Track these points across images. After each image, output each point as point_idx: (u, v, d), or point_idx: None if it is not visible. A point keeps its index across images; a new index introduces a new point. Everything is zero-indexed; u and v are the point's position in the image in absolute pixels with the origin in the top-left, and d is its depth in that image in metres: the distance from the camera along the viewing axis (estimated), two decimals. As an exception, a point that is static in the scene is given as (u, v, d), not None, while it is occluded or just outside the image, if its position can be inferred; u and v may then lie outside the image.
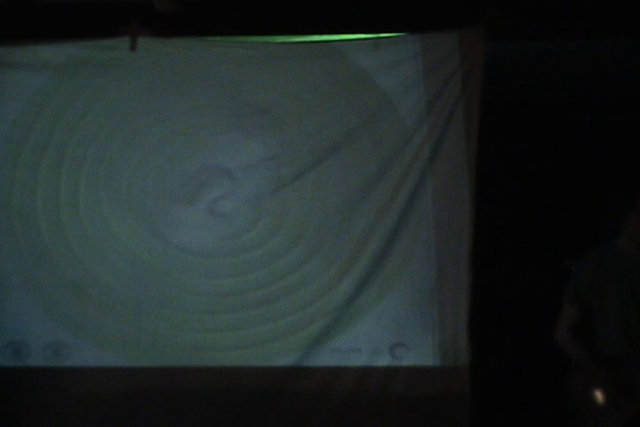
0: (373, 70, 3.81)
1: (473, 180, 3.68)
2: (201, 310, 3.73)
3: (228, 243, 3.78)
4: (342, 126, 3.79)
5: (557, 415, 3.51)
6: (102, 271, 3.75)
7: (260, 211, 3.79)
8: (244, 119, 3.83)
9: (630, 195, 3.38)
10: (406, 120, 3.78)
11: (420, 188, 3.75)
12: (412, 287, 3.72)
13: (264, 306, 3.73)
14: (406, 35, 3.85)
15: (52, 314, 3.73)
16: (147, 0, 3.85)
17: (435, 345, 3.67)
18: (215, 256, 3.77)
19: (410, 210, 3.73)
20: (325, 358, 3.70)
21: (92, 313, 3.72)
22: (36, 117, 3.82)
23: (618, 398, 3.17)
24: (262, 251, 3.76)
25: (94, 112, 3.83)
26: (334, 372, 3.70)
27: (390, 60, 3.80)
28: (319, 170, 3.78)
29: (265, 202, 3.79)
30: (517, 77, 4.62)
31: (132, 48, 3.77)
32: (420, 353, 3.69)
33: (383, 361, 3.70)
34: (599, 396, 3.20)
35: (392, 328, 3.71)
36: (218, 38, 3.90)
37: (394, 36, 3.87)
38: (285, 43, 3.98)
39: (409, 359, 3.70)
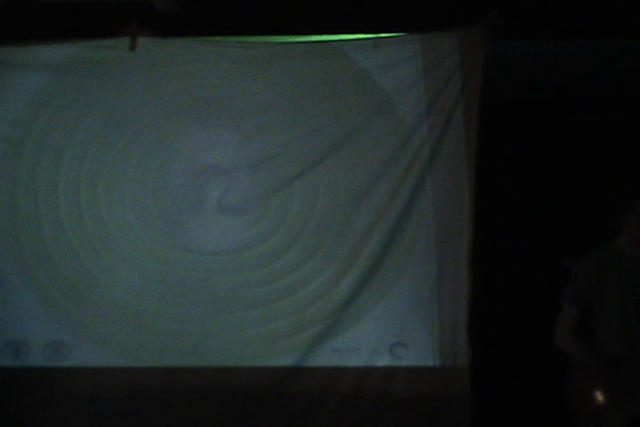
0: (373, 70, 3.82)
1: (473, 179, 3.68)
2: (201, 310, 3.73)
3: (227, 243, 3.78)
4: (342, 126, 3.79)
5: (557, 415, 3.51)
6: (102, 271, 3.75)
7: (259, 211, 3.79)
8: (244, 119, 3.83)
9: (630, 195, 3.39)
10: (406, 120, 3.78)
11: (420, 187, 3.75)
12: (412, 287, 3.72)
13: (264, 306, 3.73)
14: (406, 35, 3.85)
15: (51, 314, 3.73)
16: (147, 0, 3.85)
17: (434, 345, 3.67)
18: (215, 256, 3.77)
19: (410, 210, 3.74)
20: (325, 358, 3.70)
21: (91, 313, 3.72)
22: (36, 117, 3.82)
23: (618, 398, 3.18)
24: (261, 250, 3.76)
25: (94, 112, 3.84)
26: (334, 372, 3.70)
27: (390, 59, 3.81)
28: (319, 170, 3.79)
29: (265, 202, 3.79)
30: (517, 77, 4.62)
31: (132, 48, 3.77)
32: (420, 353, 3.69)
33: (383, 361, 3.70)
34: (599, 396, 3.20)
35: (392, 328, 3.71)
36: (218, 38, 3.90)
37: (394, 36, 3.88)
38: (285, 43, 3.99)
39: (409, 359, 3.70)
